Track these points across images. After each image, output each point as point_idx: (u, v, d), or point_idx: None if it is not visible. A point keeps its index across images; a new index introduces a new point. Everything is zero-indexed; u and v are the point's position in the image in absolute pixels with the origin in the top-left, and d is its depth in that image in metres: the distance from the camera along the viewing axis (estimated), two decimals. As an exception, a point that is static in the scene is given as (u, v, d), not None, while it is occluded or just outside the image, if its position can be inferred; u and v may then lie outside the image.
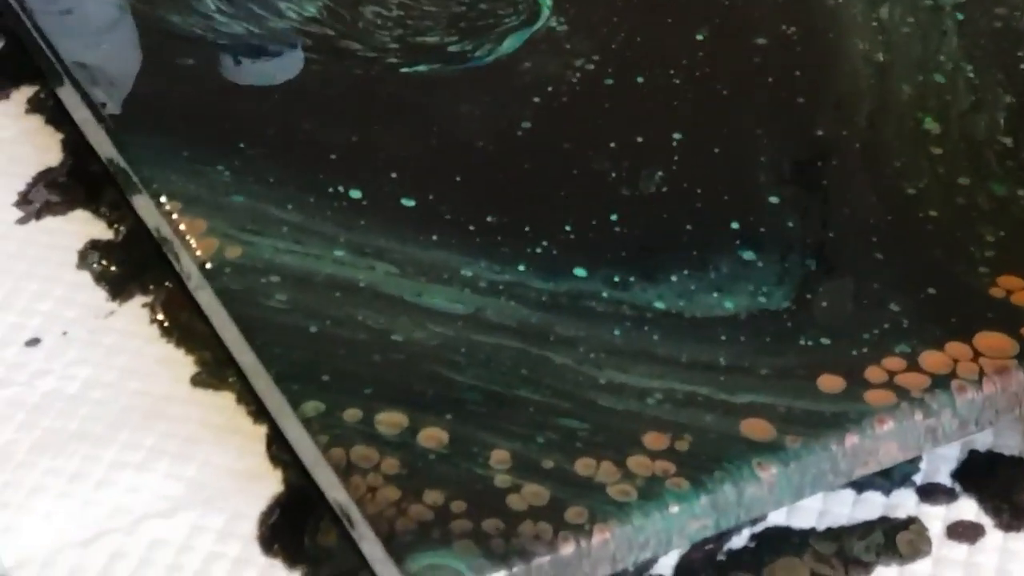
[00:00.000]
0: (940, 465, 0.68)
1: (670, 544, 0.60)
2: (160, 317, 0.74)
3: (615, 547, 0.59)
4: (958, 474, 0.68)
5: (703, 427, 0.62)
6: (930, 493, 0.67)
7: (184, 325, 0.73)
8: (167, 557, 0.64)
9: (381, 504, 0.59)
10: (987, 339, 0.65)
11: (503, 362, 0.65)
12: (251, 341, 0.66)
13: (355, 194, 0.72)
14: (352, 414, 0.62)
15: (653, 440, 0.62)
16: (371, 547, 0.60)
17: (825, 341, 0.65)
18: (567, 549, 0.58)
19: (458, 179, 0.73)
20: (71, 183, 0.80)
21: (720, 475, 0.61)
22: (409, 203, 0.72)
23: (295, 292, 0.67)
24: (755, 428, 0.62)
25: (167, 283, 0.73)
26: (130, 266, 0.75)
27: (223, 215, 0.71)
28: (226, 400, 0.71)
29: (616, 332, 0.66)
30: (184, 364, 0.72)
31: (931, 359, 0.64)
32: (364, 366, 0.65)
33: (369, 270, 0.69)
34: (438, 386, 0.64)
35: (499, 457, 0.61)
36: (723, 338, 0.66)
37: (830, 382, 0.64)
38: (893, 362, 0.64)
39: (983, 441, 0.69)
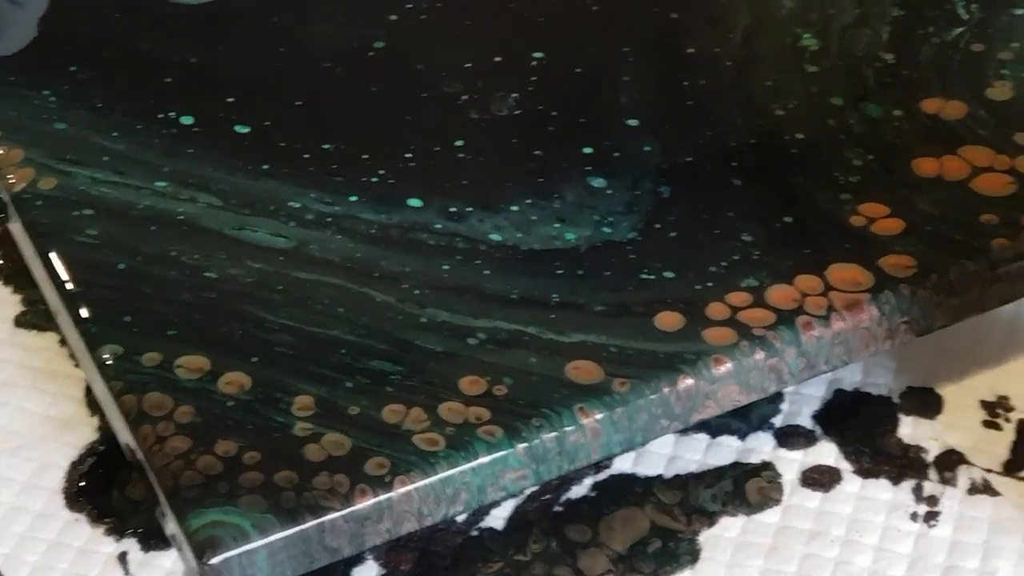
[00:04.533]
0: (802, 406, 0.63)
1: (484, 497, 0.56)
2: (-9, 252, 0.70)
3: (419, 501, 0.54)
4: (820, 416, 0.63)
5: (526, 370, 0.57)
6: (788, 436, 0.62)
7: (17, 262, 0.68)
8: (-40, 512, 0.61)
9: (168, 456, 0.55)
10: (841, 271, 0.59)
11: (320, 300, 0.60)
12: (54, 278, 0.61)
13: (186, 120, 0.67)
14: (151, 358, 0.58)
15: (470, 384, 0.57)
16: (162, 501, 0.56)
17: (669, 275, 0.60)
18: (364, 503, 0.54)
19: (299, 104, 0.68)
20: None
21: (538, 422, 0.56)
22: (243, 130, 0.67)
23: (108, 226, 0.63)
24: (582, 371, 0.57)
25: (1, 215, 0.70)
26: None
27: (43, 143, 0.66)
28: (49, 342, 0.67)
29: (445, 267, 0.61)
30: (10, 303, 0.68)
31: (778, 294, 0.59)
32: (171, 306, 0.60)
33: (191, 202, 0.64)
34: (248, 327, 0.59)
35: (303, 403, 0.56)
36: (559, 272, 0.61)
37: (669, 319, 0.58)
38: (738, 297, 0.59)
39: (851, 379, 0.64)
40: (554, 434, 0.56)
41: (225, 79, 0.69)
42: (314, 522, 0.53)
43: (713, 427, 0.62)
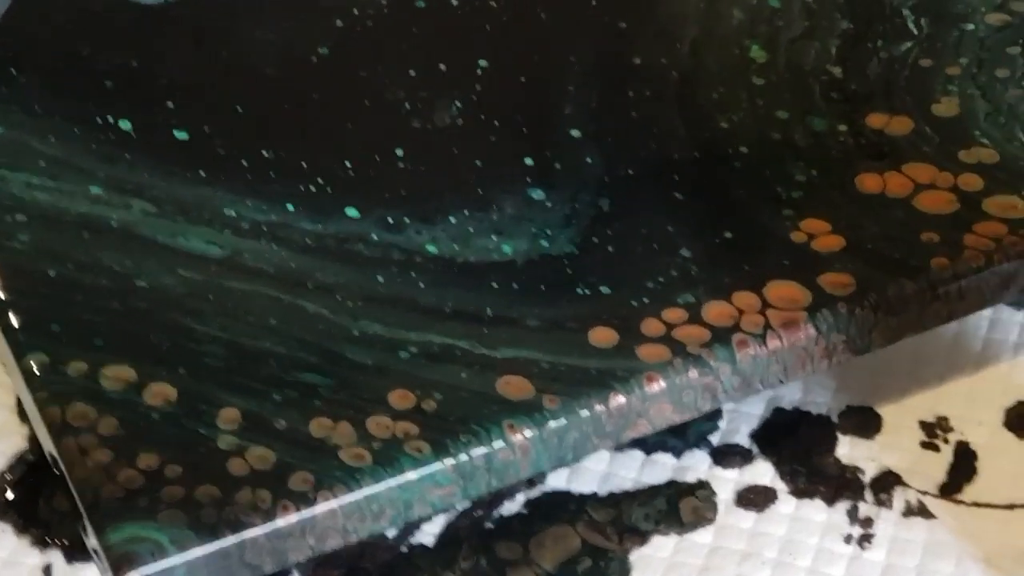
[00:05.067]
0: (741, 424, 0.63)
1: (411, 514, 0.55)
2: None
3: (344, 517, 0.53)
4: (758, 434, 0.62)
5: (456, 384, 0.56)
6: (725, 455, 0.62)
7: (-50, 266, 0.68)
8: None
9: (89, 468, 0.54)
10: (779, 288, 0.58)
11: (252, 311, 0.59)
12: (-17, 286, 0.61)
13: (124, 125, 0.66)
14: (77, 367, 0.57)
15: (399, 398, 0.56)
16: (82, 511, 0.55)
17: (605, 290, 0.59)
18: (287, 519, 0.53)
19: (240, 110, 0.67)
20: None
21: (466, 438, 0.55)
22: (182, 136, 0.66)
23: (40, 232, 0.62)
24: (512, 386, 0.56)
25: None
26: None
27: (-23, 147, 0.66)
28: (-19, 348, 0.66)
29: (379, 279, 0.60)
30: (-58, 308, 0.68)
31: (715, 311, 0.58)
32: (100, 315, 0.59)
33: (125, 209, 0.63)
34: (176, 337, 0.58)
35: (228, 416, 0.56)
36: (494, 285, 0.60)
37: (602, 335, 0.58)
38: (674, 313, 0.58)
39: (790, 397, 0.63)
40: (483, 451, 0.55)
41: (166, 84, 0.68)
42: (234, 538, 0.52)
43: (649, 444, 0.61)
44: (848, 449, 0.61)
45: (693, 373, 0.57)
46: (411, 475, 0.54)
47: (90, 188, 0.64)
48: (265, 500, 0.53)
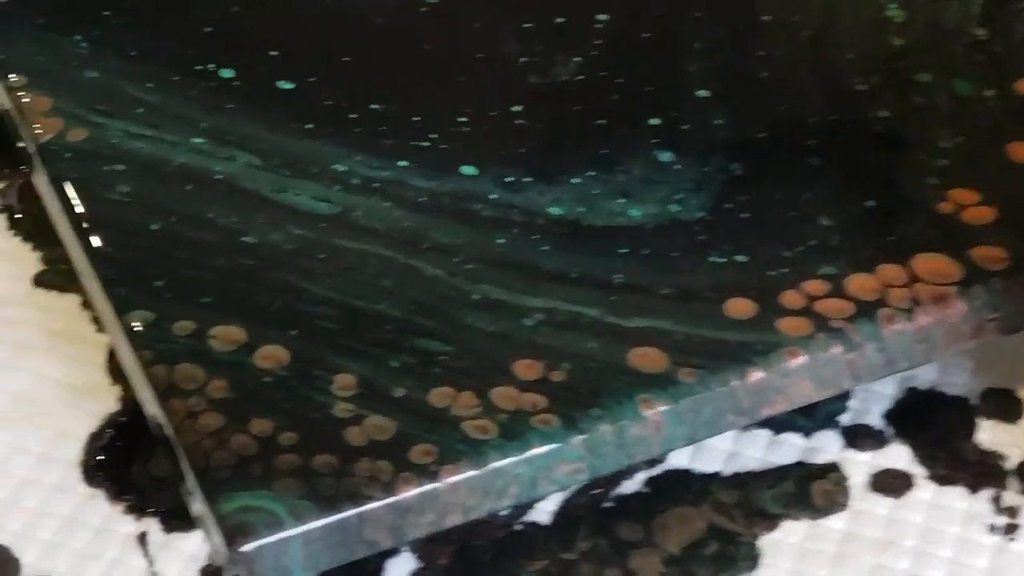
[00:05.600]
0: (872, 404, 0.59)
1: (535, 491, 0.52)
2: (11, 205, 0.66)
3: (466, 493, 0.50)
4: (891, 415, 0.59)
5: (585, 355, 0.53)
6: (856, 436, 0.58)
7: (37, 217, 0.64)
8: (-29, 482, 0.57)
9: (200, 432, 0.51)
10: (927, 261, 0.55)
11: (365, 271, 0.56)
12: (81, 237, 0.57)
13: (226, 73, 0.63)
14: (183, 326, 0.54)
15: (525, 368, 0.53)
16: (189, 479, 0.52)
17: (740, 259, 0.56)
18: (407, 493, 0.50)
19: (346, 60, 0.64)
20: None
21: (597, 412, 0.52)
22: (287, 86, 0.63)
23: (141, 183, 0.59)
24: (645, 358, 0.53)
25: (23, 167, 0.66)
26: (-15, 149, 0.68)
27: (72, 92, 0.62)
28: (71, 304, 0.62)
29: (500, 240, 0.57)
30: (29, 260, 0.64)
31: (858, 283, 0.54)
32: (206, 271, 0.56)
33: (228, 160, 0.60)
34: (287, 297, 0.55)
35: (344, 382, 0.53)
36: (623, 251, 0.56)
37: (739, 306, 0.54)
38: (814, 285, 0.55)
39: (925, 378, 0.60)
40: (614, 426, 0.52)
41: (268, 32, 0.65)
42: (354, 511, 0.49)
43: (776, 423, 0.58)
44: (989, 434, 0.58)
45: (836, 349, 0.53)
46: (539, 450, 0.51)
47: (192, 138, 0.60)
48: (386, 472, 0.50)
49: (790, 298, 0.54)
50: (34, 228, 0.64)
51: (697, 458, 0.58)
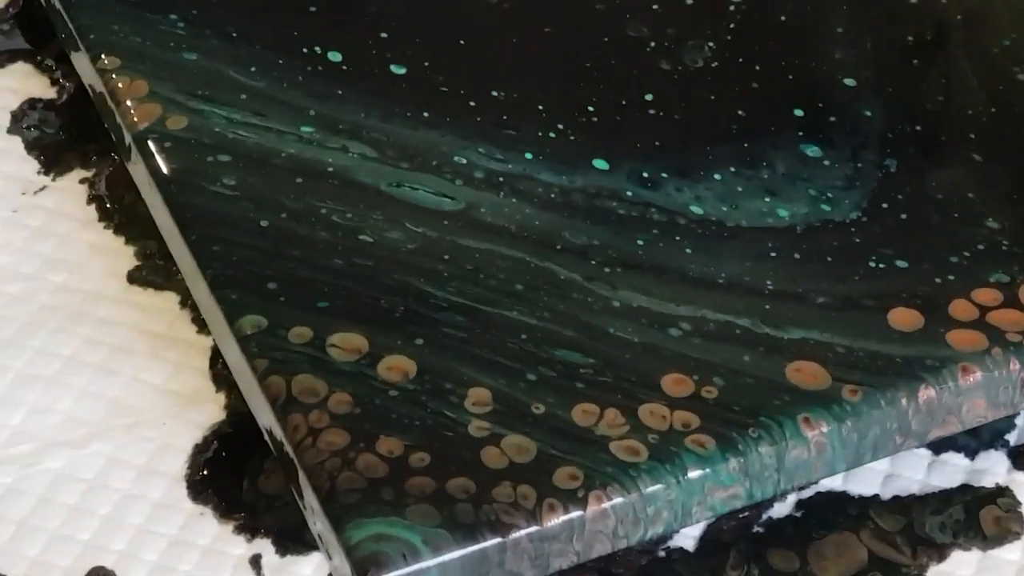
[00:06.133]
0: (1042, 422, 0.56)
1: (689, 518, 0.48)
2: (101, 195, 0.62)
3: (616, 521, 0.46)
4: (1064, 434, 0.56)
5: (739, 369, 0.49)
6: (1026, 457, 0.55)
7: (128, 208, 0.60)
8: (71, 498, 0.52)
9: (323, 452, 0.47)
10: (1110, 270, 0.52)
11: (495, 274, 0.52)
12: (185, 234, 0.53)
13: (334, 57, 0.59)
14: (300, 333, 0.50)
15: (674, 383, 0.49)
16: (311, 502, 0.48)
17: (901, 264, 0.52)
18: (553, 521, 0.46)
19: (462, 43, 0.60)
20: (13, 29, 0.68)
21: (756, 432, 0.48)
22: (399, 71, 0.59)
23: (247, 175, 0.54)
24: (805, 373, 0.49)
25: (115, 155, 0.62)
26: (73, 132, 0.63)
27: (170, 76, 0.58)
28: (168, 302, 0.58)
29: (639, 242, 0.53)
30: (123, 255, 0.60)
31: (1036, 293, 0.51)
32: (321, 272, 0.52)
33: (341, 151, 0.55)
34: (410, 302, 0.51)
35: (478, 397, 0.49)
36: (773, 255, 0.52)
37: (904, 317, 0.50)
38: (986, 294, 0.51)
39: (1097, 393, 0.56)
40: (774, 447, 0.48)
41: (378, 11, 0.60)
42: (495, 541, 0.45)
43: (938, 442, 0.54)
44: None
45: (1015, 365, 0.49)
46: (693, 474, 0.47)
47: (300, 127, 0.56)
48: (528, 498, 0.46)
49: (960, 308, 0.50)
50: (126, 220, 0.60)
51: (851, 479, 0.53)
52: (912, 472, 0.54)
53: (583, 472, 0.47)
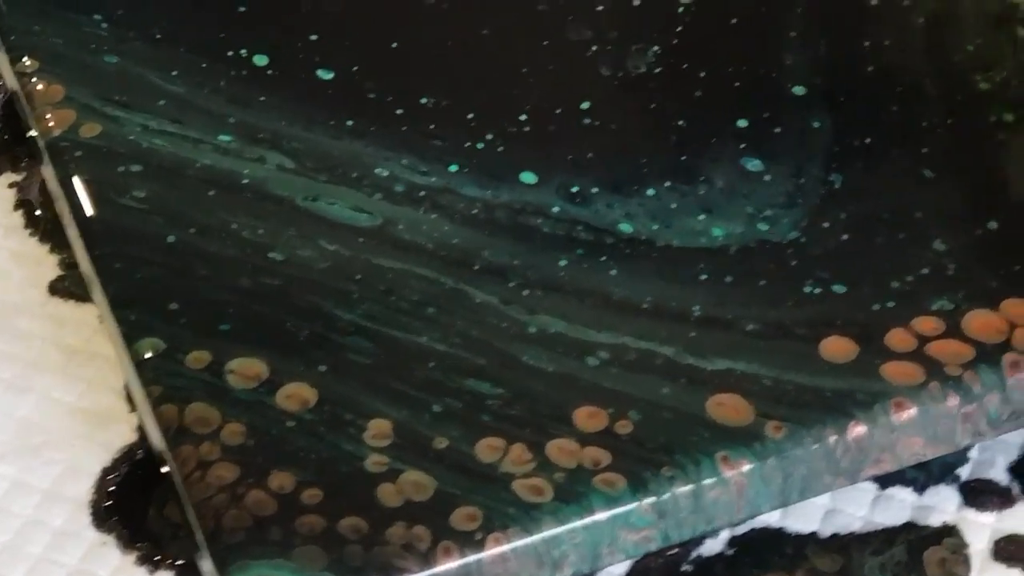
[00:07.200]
0: (997, 455, 0.52)
1: (599, 561, 0.45)
2: (29, 200, 0.59)
3: (516, 564, 0.44)
4: (1018, 469, 0.52)
5: (657, 402, 0.46)
6: (978, 493, 0.51)
7: (57, 216, 0.58)
8: (-33, 525, 0.51)
9: (211, 487, 0.44)
10: (1061, 298, 0.48)
11: (407, 296, 0.49)
12: (89, 249, 0.51)
13: (260, 60, 0.56)
14: (198, 358, 0.47)
15: (587, 417, 0.46)
16: (199, 538, 0.45)
17: (839, 289, 0.49)
18: (448, 565, 0.43)
19: (395, 46, 0.57)
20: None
21: (670, 471, 0.45)
22: (326, 76, 0.56)
23: (158, 187, 0.52)
24: (727, 408, 0.46)
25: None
26: (4, 135, 0.60)
27: (88, 80, 0.55)
28: (88, 315, 0.55)
29: (562, 262, 0.50)
30: (46, 264, 0.57)
31: (979, 321, 0.47)
32: (227, 293, 0.49)
33: (258, 162, 0.53)
34: (317, 325, 0.48)
35: (378, 429, 0.46)
36: (703, 278, 0.49)
37: (837, 347, 0.47)
38: (927, 323, 0.47)
39: (1056, 424, 0.53)
40: (690, 487, 0.45)
41: (310, 11, 0.58)
42: (384, 587, 0.43)
43: (884, 475, 0.51)
44: None
45: (953, 400, 0.46)
46: (601, 515, 0.44)
47: (218, 136, 0.53)
48: (423, 540, 0.44)
49: (898, 338, 0.47)
50: (53, 228, 0.58)
51: (790, 514, 0.50)
52: (855, 508, 0.50)
53: (483, 512, 0.44)
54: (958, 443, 0.47)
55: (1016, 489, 0.50)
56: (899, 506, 0.50)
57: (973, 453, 0.51)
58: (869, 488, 0.51)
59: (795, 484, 0.45)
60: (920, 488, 0.51)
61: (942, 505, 0.50)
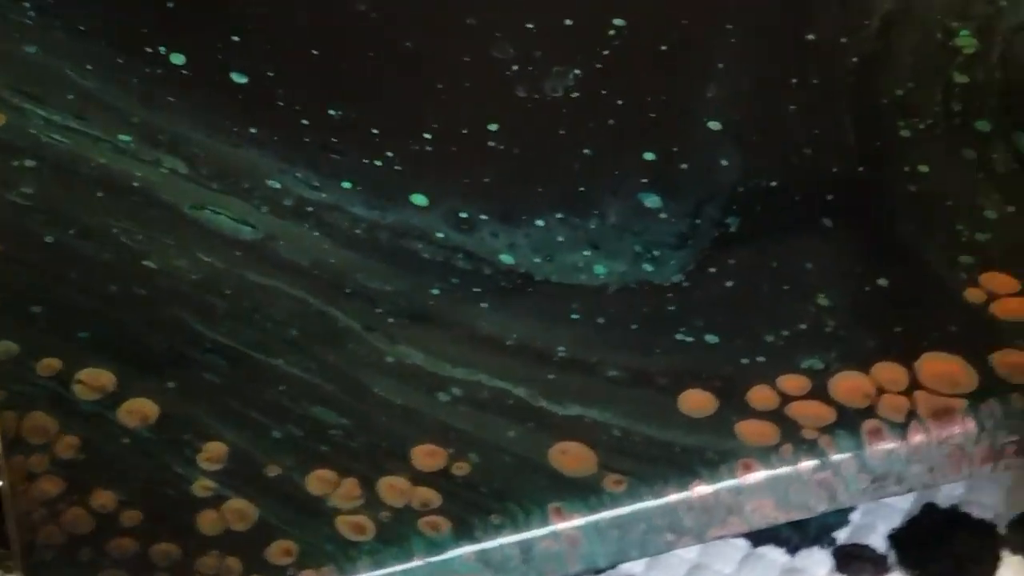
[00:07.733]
0: (878, 520, 0.49)
1: (419, 606, 0.44)
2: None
3: (327, 604, 0.43)
4: (898, 536, 0.49)
5: (500, 445, 0.44)
6: (852, 559, 0.48)
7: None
8: None
9: (34, 501, 0.44)
10: (937, 363, 0.45)
11: (272, 316, 0.47)
12: (-36, 244, 0.51)
13: (177, 59, 0.55)
14: (49, 365, 0.46)
15: (426, 455, 0.44)
16: (15, 555, 0.45)
17: (711, 339, 0.46)
18: (254, 600, 0.43)
19: (315, 53, 0.56)
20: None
21: (498, 519, 0.43)
22: (240, 79, 0.54)
23: (48, 185, 0.51)
24: (570, 456, 0.44)
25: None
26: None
27: (5, 69, 0.54)
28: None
29: (434, 291, 0.48)
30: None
31: (847, 384, 0.45)
32: (93, 299, 0.48)
33: (153, 165, 0.52)
34: (177, 340, 0.47)
35: (213, 452, 0.45)
36: (574, 317, 0.47)
37: (696, 400, 0.45)
38: (792, 381, 0.45)
39: (949, 492, 0.50)
40: (518, 538, 0.43)
41: (238, 12, 0.56)
42: (182, 619, 0.42)
43: (757, 533, 0.49)
44: (1013, 572, 0.48)
45: (805, 465, 0.44)
46: (420, 560, 0.43)
47: (119, 135, 0.53)
48: (233, 571, 0.43)
49: (759, 396, 0.45)
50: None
51: (654, 568, 0.49)
52: (722, 564, 0.48)
53: (299, 547, 0.42)
54: (813, 509, 0.44)
55: (892, 558, 0.48)
56: (768, 566, 0.48)
57: (855, 516, 0.49)
58: (741, 545, 0.49)
59: (635, 540, 0.43)
60: (793, 549, 0.48)
61: (813, 569, 0.48)
